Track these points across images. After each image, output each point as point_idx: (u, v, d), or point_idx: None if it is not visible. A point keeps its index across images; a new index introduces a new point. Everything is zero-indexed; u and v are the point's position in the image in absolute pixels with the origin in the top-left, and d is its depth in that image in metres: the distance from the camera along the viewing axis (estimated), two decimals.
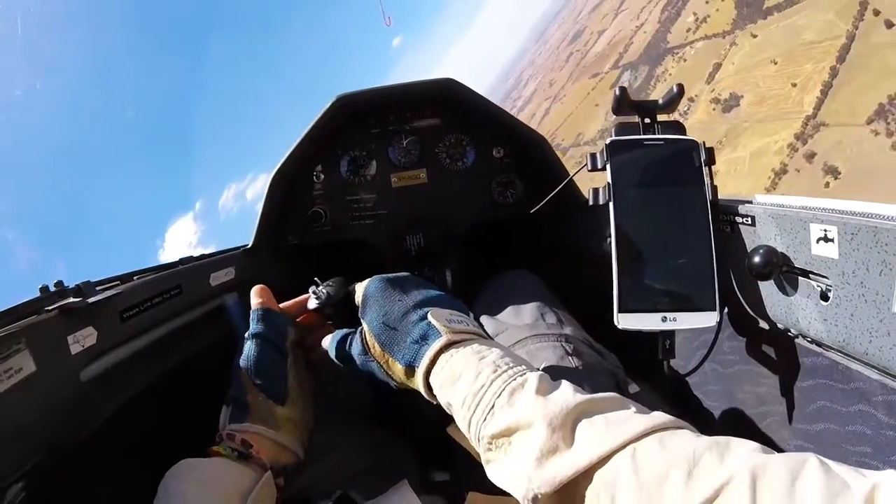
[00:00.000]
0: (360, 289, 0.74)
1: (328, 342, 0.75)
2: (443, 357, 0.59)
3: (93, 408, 0.82)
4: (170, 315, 1.01)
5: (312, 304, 0.79)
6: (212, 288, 1.18)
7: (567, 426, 0.47)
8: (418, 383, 0.62)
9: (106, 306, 0.83)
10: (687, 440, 0.43)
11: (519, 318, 1.01)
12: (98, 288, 0.85)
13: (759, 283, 0.73)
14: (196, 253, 1.29)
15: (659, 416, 0.46)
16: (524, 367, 0.56)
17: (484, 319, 1.07)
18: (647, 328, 0.76)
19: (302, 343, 0.82)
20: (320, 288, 0.79)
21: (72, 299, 0.77)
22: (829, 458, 0.66)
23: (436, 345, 0.59)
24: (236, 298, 1.25)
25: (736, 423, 0.86)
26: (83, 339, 0.78)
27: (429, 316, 0.63)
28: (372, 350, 0.67)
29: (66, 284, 0.80)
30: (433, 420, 0.88)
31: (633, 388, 1.11)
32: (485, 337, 0.63)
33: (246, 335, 0.76)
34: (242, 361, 0.74)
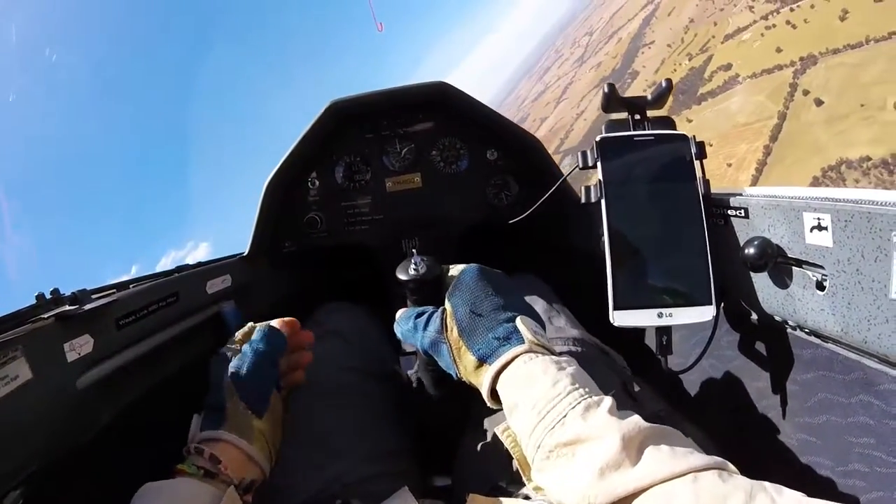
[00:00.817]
0: (453, 270, 0.74)
1: (403, 314, 0.75)
2: (520, 359, 0.59)
3: (89, 416, 0.82)
4: (166, 323, 1.01)
5: (408, 274, 0.76)
6: (208, 296, 1.18)
7: (635, 446, 0.48)
8: (484, 380, 0.62)
9: (102, 314, 0.83)
10: (744, 479, 0.45)
11: None
12: (94, 296, 0.85)
13: (755, 275, 0.73)
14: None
15: (719, 458, 0.48)
16: (597, 388, 0.57)
17: None
18: (644, 325, 0.75)
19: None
20: (420, 260, 0.77)
21: (68, 307, 0.78)
22: (833, 451, 0.65)
23: (518, 349, 0.60)
24: (233, 306, 1.25)
25: (737, 420, 0.85)
26: (79, 346, 0.79)
27: (517, 320, 0.62)
28: (448, 332, 0.67)
29: (61, 292, 0.80)
30: (437, 428, 0.87)
31: (636, 388, 1.09)
32: (559, 356, 0.63)
33: (245, 346, 0.75)
34: (234, 369, 0.72)
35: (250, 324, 0.80)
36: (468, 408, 0.89)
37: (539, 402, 0.54)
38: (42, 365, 0.72)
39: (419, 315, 0.72)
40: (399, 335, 0.75)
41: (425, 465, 0.91)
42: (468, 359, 0.63)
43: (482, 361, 0.62)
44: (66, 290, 0.82)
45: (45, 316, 0.75)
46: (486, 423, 0.83)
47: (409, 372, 0.93)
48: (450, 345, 0.66)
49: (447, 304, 0.69)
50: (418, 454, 0.90)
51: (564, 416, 0.52)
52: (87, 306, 0.79)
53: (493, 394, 0.62)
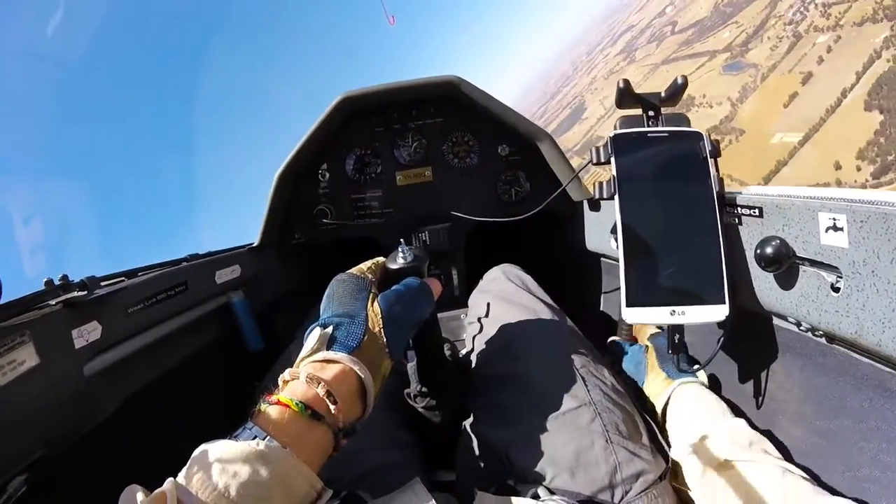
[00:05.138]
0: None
1: None
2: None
3: (96, 402, 0.82)
4: (174, 312, 1.01)
5: (397, 263, 0.74)
6: (217, 285, 1.19)
7: None
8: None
9: (111, 301, 0.83)
10: None
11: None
12: (103, 283, 0.85)
13: (769, 275, 0.72)
14: None
15: None
16: None
17: (477, 314, 1.08)
18: (655, 322, 0.75)
19: None
20: (407, 249, 0.75)
21: (76, 293, 0.78)
22: (843, 455, 0.65)
23: None
24: (242, 296, 1.25)
25: (747, 422, 0.84)
26: (87, 333, 0.78)
27: None
28: None
29: (70, 279, 0.80)
30: (442, 423, 0.87)
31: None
32: None
33: (399, 287, 0.68)
34: (388, 300, 0.64)
35: (381, 259, 0.76)
36: (464, 403, 0.89)
37: None
38: (49, 351, 0.72)
39: None
40: None
41: (428, 458, 0.91)
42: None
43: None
44: (75, 277, 0.82)
45: (53, 302, 0.75)
46: (485, 420, 0.83)
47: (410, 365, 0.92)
48: None
49: None
50: (425, 449, 0.90)
51: None
52: (96, 293, 0.79)
53: None
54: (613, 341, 1.07)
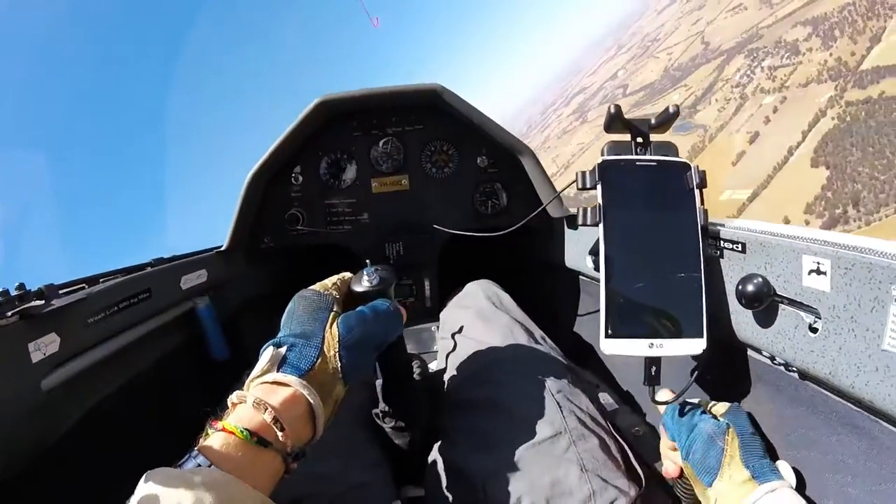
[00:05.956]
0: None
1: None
2: None
3: (55, 417, 0.79)
4: (138, 319, 0.98)
5: (363, 286, 0.70)
6: (182, 291, 1.14)
7: None
8: None
9: (70, 312, 0.79)
10: None
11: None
12: (62, 291, 0.81)
13: (748, 311, 0.72)
14: None
15: None
16: None
17: (451, 330, 1.06)
18: (634, 354, 0.74)
19: None
20: (373, 271, 0.71)
21: (34, 303, 0.74)
22: (810, 486, 0.65)
23: None
24: (208, 302, 1.21)
25: None
26: (45, 346, 0.75)
27: None
28: None
29: (27, 287, 0.76)
30: (410, 443, 0.85)
31: (609, 401, 1.08)
32: None
33: (366, 308, 0.66)
34: (348, 324, 0.62)
35: (347, 275, 0.73)
36: (434, 423, 0.88)
37: None
38: (4, 366, 0.68)
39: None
40: None
41: (396, 474, 0.89)
42: None
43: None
44: (34, 285, 0.78)
45: (9, 314, 0.71)
46: (460, 444, 0.82)
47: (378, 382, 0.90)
48: None
49: None
50: (394, 466, 0.89)
51: None
52: (54, 303, 0.75)
53: None
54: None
